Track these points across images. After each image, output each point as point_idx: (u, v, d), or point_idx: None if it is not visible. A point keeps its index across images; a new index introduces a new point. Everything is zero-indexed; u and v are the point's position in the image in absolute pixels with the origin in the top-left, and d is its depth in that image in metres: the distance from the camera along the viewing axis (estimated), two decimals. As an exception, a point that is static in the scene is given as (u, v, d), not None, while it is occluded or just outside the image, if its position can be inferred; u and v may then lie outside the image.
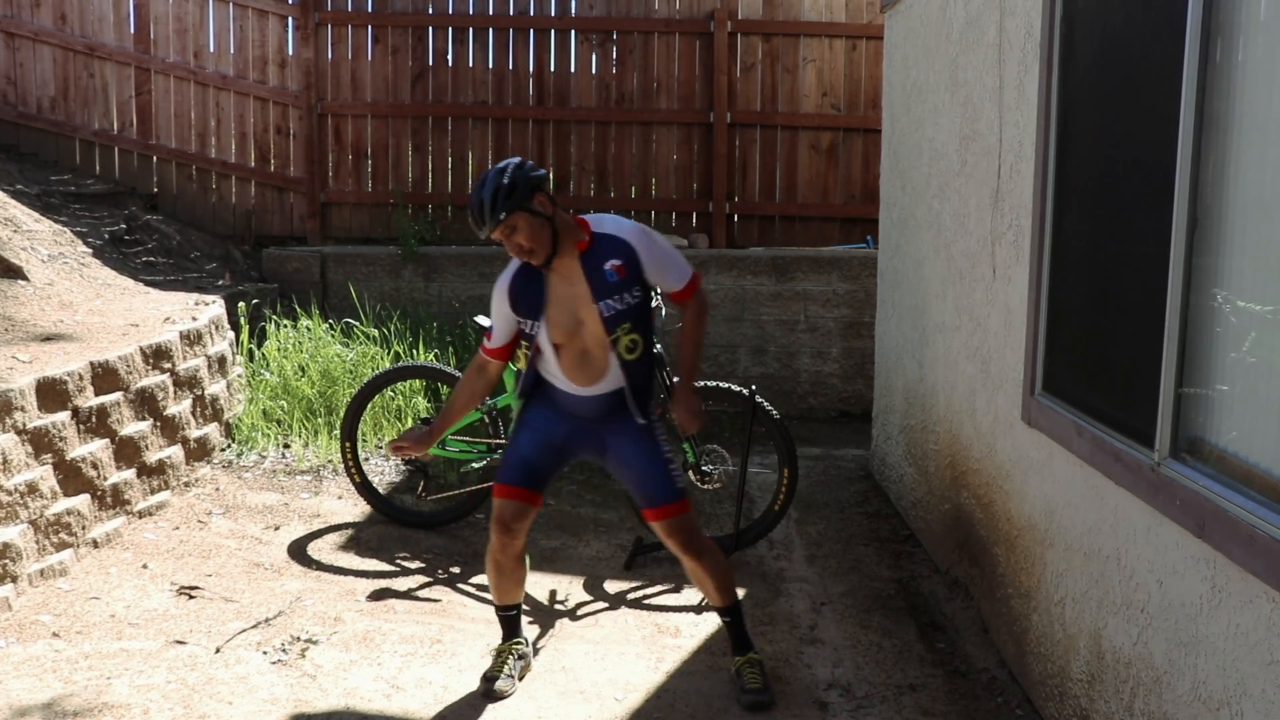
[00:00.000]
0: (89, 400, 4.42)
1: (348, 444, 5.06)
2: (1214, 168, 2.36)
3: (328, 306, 7.30)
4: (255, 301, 6.76)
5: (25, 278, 5.40)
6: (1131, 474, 2.65)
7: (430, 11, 7.81)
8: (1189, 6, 2.39)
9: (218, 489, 5.28)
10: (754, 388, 4.73)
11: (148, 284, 6.34)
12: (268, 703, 3.38)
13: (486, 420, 4.94)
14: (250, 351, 6.37)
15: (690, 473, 4.64)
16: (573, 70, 7.83)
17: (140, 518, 4.77)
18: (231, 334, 6.15)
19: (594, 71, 7.84)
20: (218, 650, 3.71)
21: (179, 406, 5.18)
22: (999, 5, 3.85)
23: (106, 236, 6.77)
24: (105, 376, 4.54)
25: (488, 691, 3.48)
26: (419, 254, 7.36)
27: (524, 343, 3.41)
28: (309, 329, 6.59)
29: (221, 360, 5.79)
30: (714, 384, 4.76)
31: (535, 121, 7.86)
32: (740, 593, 3.94)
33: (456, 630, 4.01)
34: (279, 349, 6.39)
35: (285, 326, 6.61)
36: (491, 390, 3.67)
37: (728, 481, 4.82)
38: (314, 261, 7.40)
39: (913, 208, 5.22)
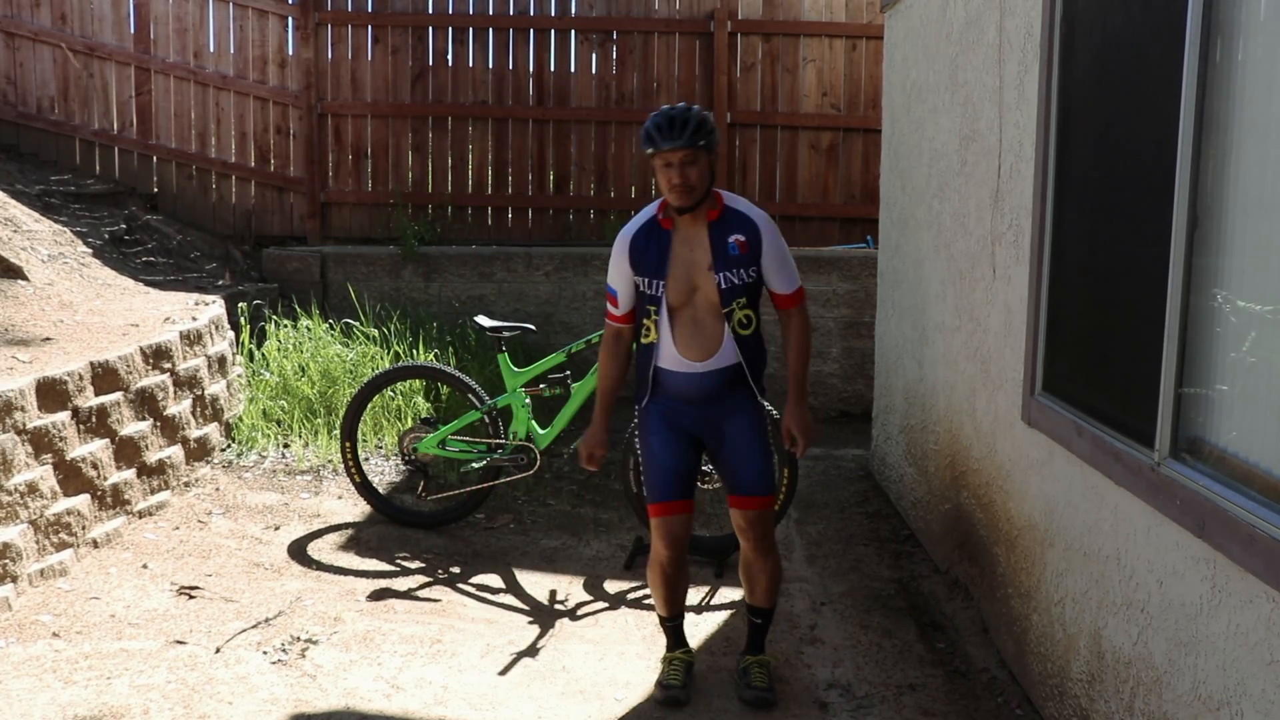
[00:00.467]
0: (89, 400, 4.42)
1: (348, 444, 5.06)
2: (1214, 168, 2.36)
3: (328, 306, 7.30)
4: (255, 301, 6.76)
5: (25, 278, 5.40)
6: (1131, 474, 2.65)
7: (430, 11, 7.81)
8: (1189, 6, 2.38)
9: (218, 489, 5.28)
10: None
11: (148, 284, 6.34)
12: (268, 703, 3.38)
13: (486, 420, 4.94)
14: (250, 351, 6.37)
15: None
16: (573, 70, 7.83)
17: (140, 518, 4.77)
18: (231, 334, 6.15)
19: (594, 71, 7.84)
20: (218, 650, 3.71)
21: (179, 406, 5.18)
22: (999, 5, 3.85)
23: (106, 236, 6.77)
24: (105, 376, 4.54)
25: (667, 699, 3.47)
26: (419, 254, 7.36)
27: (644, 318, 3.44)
28: (309, 329, 6.60)
29: (221, 360, 5.79)
30: None
31: (535, 121, 7.86)
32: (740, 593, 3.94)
33: (456, 630, 4.00)
34: (279, 349, 6.39)
35: (285, 326, 6.61)
36: (630, 355, 3.66)
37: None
38: (314, 261, 7.40)
39: (913, 208, 5.22)
